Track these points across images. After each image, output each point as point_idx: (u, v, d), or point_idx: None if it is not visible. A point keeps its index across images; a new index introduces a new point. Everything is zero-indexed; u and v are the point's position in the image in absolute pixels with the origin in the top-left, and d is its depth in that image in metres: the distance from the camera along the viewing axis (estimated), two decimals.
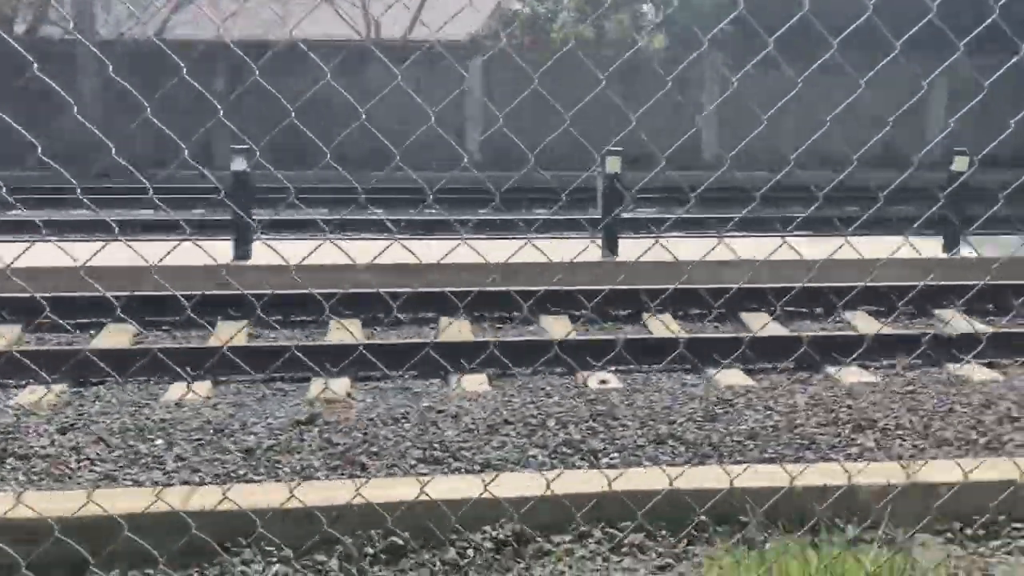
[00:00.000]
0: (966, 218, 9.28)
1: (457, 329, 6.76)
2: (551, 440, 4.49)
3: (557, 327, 6.95)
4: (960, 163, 8.59)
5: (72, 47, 17.10)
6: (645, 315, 7.26)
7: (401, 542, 3.30)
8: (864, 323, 7.26)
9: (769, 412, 4.95)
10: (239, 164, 7.86)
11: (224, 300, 6.81)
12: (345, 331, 6.28)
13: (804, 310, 7.60)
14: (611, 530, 3.46)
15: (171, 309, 6.62)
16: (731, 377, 5.73)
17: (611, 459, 4.33)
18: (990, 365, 6.07)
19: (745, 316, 7.31)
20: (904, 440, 4.62)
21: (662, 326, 6.96)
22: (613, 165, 8.24)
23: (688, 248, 7.22)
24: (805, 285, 7.36)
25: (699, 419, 4.81)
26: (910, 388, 5.44)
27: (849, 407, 5.03)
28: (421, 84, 13.88)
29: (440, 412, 4.86)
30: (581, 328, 6.99)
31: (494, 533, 3.39)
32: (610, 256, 8.31)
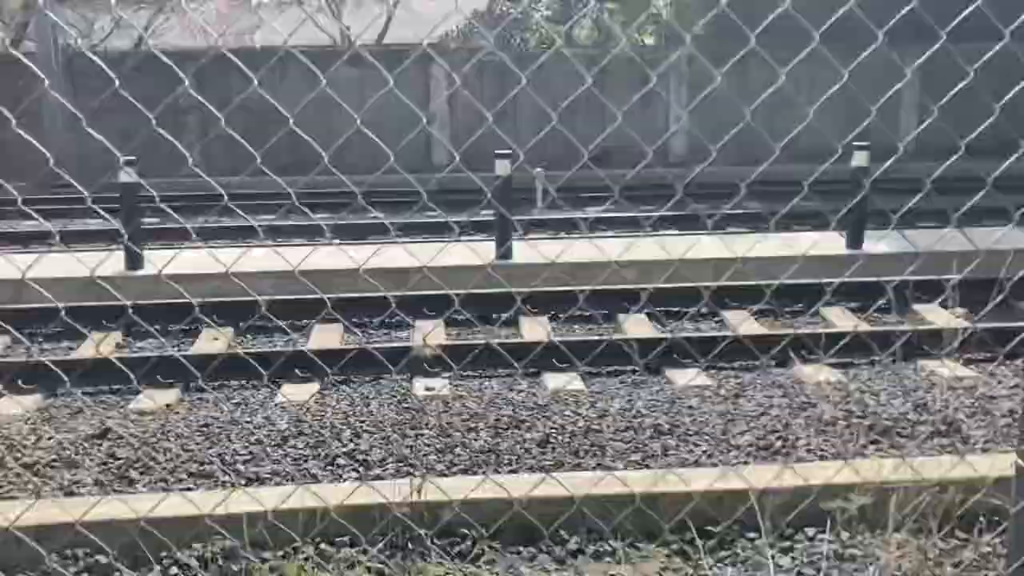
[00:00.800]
0: (872, 213, 9.18)
1: (322, 338, 6.76)
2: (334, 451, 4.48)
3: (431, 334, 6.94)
4: (860, 158, 8.48)
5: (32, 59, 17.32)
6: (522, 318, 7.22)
7: None
8: (738, 322, 7.17)
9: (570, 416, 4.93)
10: (126, 176, 7.89)
11: (101, 311, 6.86)
12: (215, 340, 6.32)
13: (687, 310, 7.51)
14: None
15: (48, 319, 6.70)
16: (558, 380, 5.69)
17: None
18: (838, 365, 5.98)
19: (623, 317, 7.25)
20: (697, 446, 4.57)
21: (538, 328, 6.93)
22: (503, 169, 8.20)
23: (582, 249, 7.20)
24: (680, 286, 7.39)
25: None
26: (738, 391, 5.38)
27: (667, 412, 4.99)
28: (387, 87, 13.93)
29: (245, 424, 4.85)
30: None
31: None
32: (504, 260, 8.27)
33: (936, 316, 7.27)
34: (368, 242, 9.81)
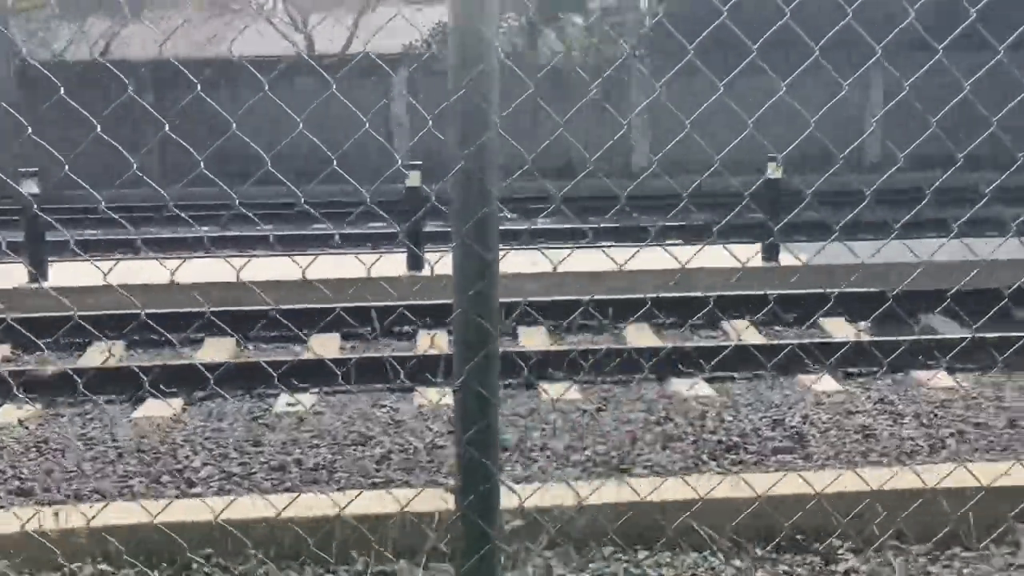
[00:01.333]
0: (788, 225, 9.15)
1: (216, 349, 6.70)
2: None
3: (330, 346, 6.88)
4: (772, 169, 8.44)
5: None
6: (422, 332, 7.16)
7: None
8: (635, 335, 7.11)
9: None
10: (30, 187, 7.84)
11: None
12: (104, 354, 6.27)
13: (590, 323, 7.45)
14: None
15: None
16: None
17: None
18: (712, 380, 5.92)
19: (522, 330, 7.19)
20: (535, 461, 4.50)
21: (437, 341, 6.88)
22: (413, 179, 8.16)
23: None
24: (584, 298, 7.35)
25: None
26: (601, 405, 5.33)
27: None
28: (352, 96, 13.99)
29: (88, 441, 4.79)
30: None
31: None
32: (414, 270, 8.22)
33: (840, 330, 7.22)
34: (261, 254, 9.74)
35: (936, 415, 5.06)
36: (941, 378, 5.83)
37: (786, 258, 8.52)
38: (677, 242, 11.55)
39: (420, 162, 8.18)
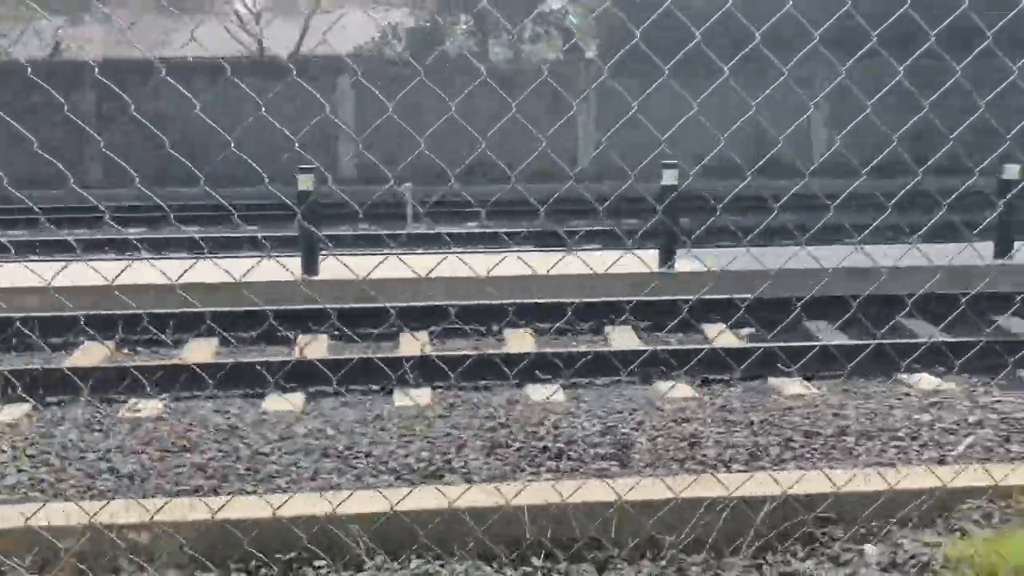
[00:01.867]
0: (687, 231, 9.22)
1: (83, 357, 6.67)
2: None
3: (206, 348, 6.87)
4: (669, 176, 8.47)
5: None
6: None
7: None
8: (518, 341, 7.12)
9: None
10: None
11: None
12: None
13: (475, 328, 7.46)
14: None
15: None
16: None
17: None
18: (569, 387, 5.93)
19: (402, 337, 7.19)
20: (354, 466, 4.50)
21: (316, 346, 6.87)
22: (305, 183, 8.14)
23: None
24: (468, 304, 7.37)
25: None
26: (445, 411, 5.33)
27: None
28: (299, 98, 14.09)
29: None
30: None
31: None
32: (309, 275, 8.20)
33: (724, 337, 7.24)
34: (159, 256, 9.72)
35: (771, 423, 5.08)
36: (793, 385, 5.87)
37: (693, 264, 8.54)
38: (597, 247, 11.64)
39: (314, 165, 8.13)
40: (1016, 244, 8.99)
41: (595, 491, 3.48)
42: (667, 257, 8.55)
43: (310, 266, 8.21)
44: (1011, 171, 8.85)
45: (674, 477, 3.81)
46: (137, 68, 14.13)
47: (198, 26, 20.25)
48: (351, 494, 3.47)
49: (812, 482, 3.81)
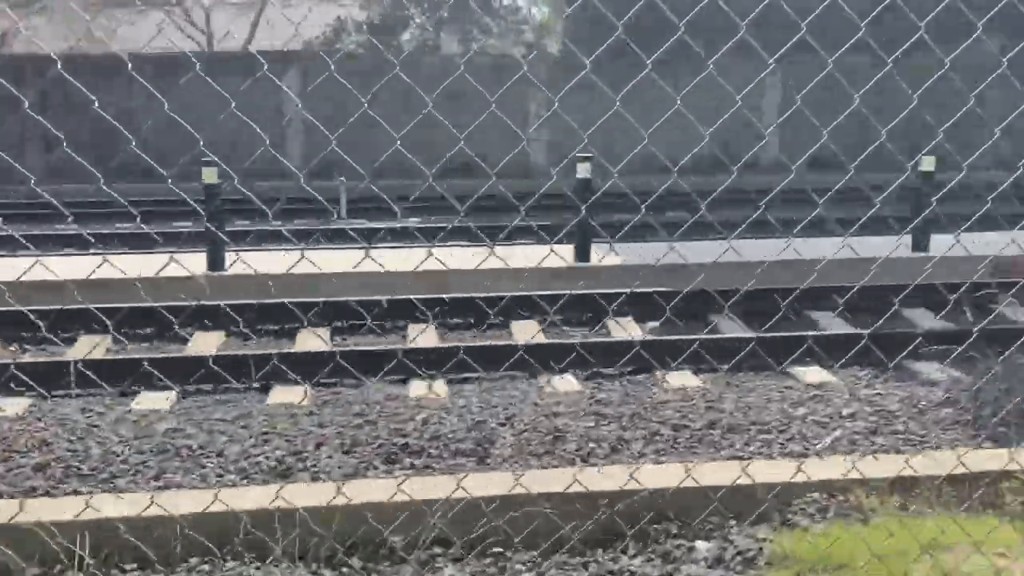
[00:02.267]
0: (603, 225, 9.15)
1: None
2: None
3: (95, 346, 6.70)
4: (582, 169, 8.39)
5: None
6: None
7: None
8: (422, 336, 7.01)
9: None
10: None
11: None
12: None
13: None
14: None
15: None
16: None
17: None
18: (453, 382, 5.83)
19: (301, 333, 7.06)
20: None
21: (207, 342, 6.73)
22: (209, 176, 7.99)
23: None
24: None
25: None
26: (314, 408, 5.22)
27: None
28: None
29: None
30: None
31: None
32: (215, 271, 8.05)
33: (629, 330, 7.17)
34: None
35: (643, 416, 5.00)
36: (680, 378, 5.80)
37: (612, 259, 8.47)
38: (531, 242, 11.54)
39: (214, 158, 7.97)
40: (934, 237, 8.97)
41: (377, 491, 3.38)
42: (583, 252, 8.46)
43: (216, 262, 8.05)
44: (927, 163, 8.84)
45: (503, 474, 3.71)
46: (85, 63, 13.94)
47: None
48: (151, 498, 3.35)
49: (654, 476, 3.73)
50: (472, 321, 7.38)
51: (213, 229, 8.11)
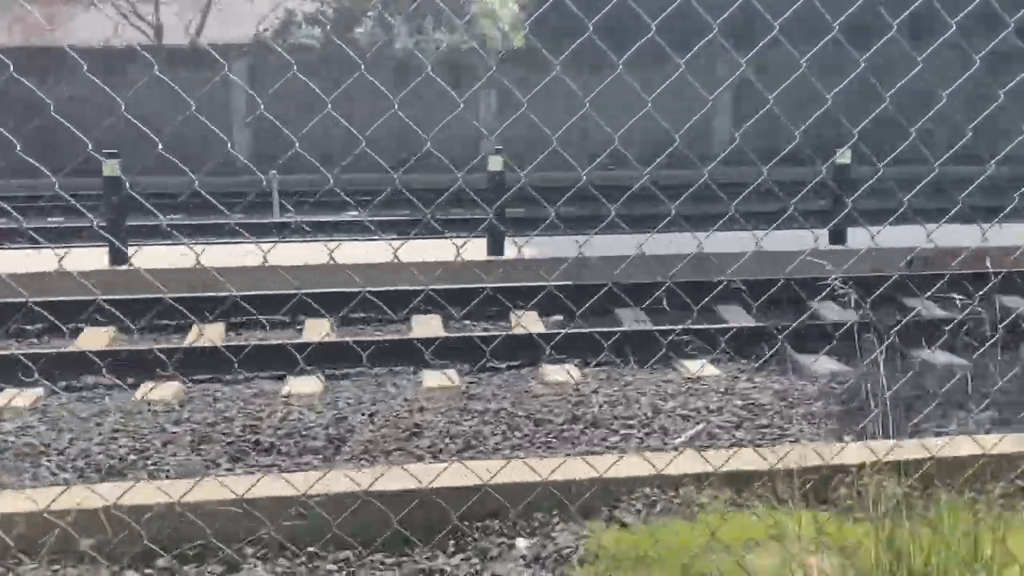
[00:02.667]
0: (515, 220, 9.08)
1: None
2: None
3: None
4: (494, 163, 8.30)
5: None
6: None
7: None
8: (315, 331, 6.88)
9: None
10: None
11: None
12: None
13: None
14: None
15: None
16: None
17: None
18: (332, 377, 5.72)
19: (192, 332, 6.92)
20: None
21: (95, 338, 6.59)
22: (110, 169, 7.83)
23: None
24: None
25: None
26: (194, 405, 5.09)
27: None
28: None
29: None
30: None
31: None
32: (117, 265, 7.90)
33: (532, 324, 7.08)
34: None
35: (509, 411, 4.92)
36: (558, 372, 5.71)
37: (522, 253, 8.37)
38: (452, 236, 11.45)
39: (116, 151, 7.82)
40: (850, 231, 8.94)
41: (216, 490, 3.27)
42: (497, 246, 8.36)
43: (117, 256, 7.89)
44: (845, 156, 8.81)
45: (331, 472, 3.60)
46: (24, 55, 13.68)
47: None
48: None
49: (480, 472, 3.63)
50: (374, 316, 7.27)
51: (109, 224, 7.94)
